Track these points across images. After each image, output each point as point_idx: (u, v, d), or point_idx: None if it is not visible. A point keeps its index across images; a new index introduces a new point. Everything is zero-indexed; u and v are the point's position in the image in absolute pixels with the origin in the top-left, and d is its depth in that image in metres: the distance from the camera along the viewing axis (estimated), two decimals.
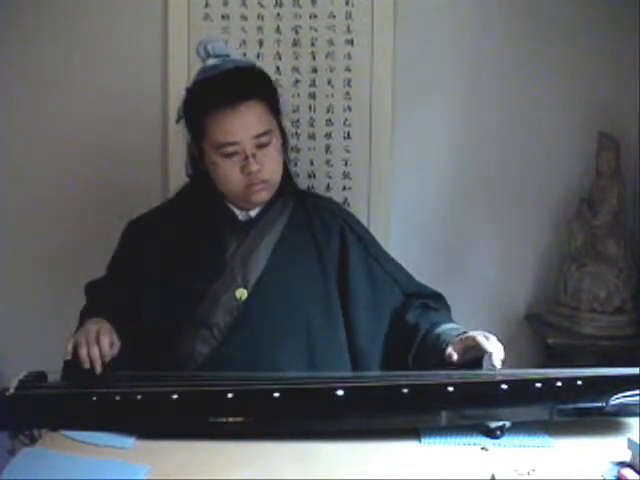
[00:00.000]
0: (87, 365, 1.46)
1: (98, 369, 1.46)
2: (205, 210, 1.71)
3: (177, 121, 1.71)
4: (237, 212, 1.71)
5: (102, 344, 1.48)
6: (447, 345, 1.55)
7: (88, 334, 1.49)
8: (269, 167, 1.64)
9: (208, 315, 1.64)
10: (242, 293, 1.65)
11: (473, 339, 1.52)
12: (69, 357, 1.48)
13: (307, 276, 1.70)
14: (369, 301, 1.72)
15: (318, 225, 1.75)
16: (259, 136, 1.61)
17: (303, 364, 1.64)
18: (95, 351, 1.47)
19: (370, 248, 1.78)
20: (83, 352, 1.47)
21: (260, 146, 1.62)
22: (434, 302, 1.75)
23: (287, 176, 1.75)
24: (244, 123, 1.60)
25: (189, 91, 1.69)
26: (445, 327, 1.63)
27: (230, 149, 1.61)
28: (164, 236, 1.71)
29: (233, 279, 1.66)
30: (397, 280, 1.76)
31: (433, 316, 1.69)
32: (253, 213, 1.71)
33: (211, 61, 1.67)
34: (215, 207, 1.70)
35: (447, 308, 1.78)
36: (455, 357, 1.52)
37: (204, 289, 1.65)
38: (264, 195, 1.66)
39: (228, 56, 1.70)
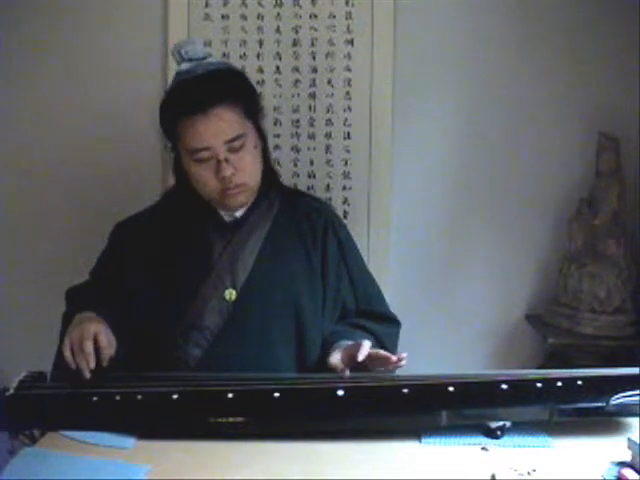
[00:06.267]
0: (86, 374, 1.45)
1: (86, 375, 1.45)
2: (191, 212, 1.71)
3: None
4: (223, 213, 1.70)
5: (101, 345, 1.47)
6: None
7: (83, 337, 1.46)
8: (244, 170, 1.62)
9: (198, 317, 1.64)
10: (231, 294, 1.65)
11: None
12: (71, 364, 1.47)
13: (295, 274, 1.70)
14: (332, 306, 1.73)
15: (305, 223, 1.75)
16: (231, 141, 1.59)
17: (294, 362, 1.65)
18: (84, 363, 1.45)
19: (346, 254, 1.77)
20: (77, 361, 1.46)
21: (233, 150, 1.60)
22: (373, 323, 1.74)
23: (271, 176, 1.74)
24: (215, 128, 1.58)
25: (165, 96, 1.67)
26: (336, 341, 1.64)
27: (203, 154, 1.59)
28: (151, 238, 1.71)
29: (221, 280, 1.66)
30: (357, 294, 1.77)
31: (340, 333, 1.68)
32: (239, 214, 1.70)
33: (184, 65, 1.65)
34: (201, 209, 1.69)
35: (388, 335, 1.75)
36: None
37: (193, 291, 1.65)
38: (240, 199, 1.65)
39: (204, 58, 1.67)
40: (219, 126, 1.58)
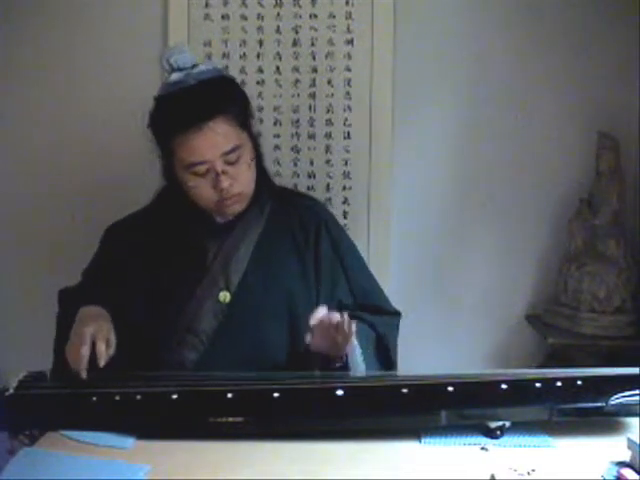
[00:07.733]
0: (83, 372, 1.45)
1: (82, 375, 1.44)
2: (183, 214, 1.68)
3: (148, 126, 1.65)
4: (215, 215, 1.69)
5: (97, 350, 1.46)
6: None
7: (81, 342, 1.46)
8: (241, 181, 1.61)
9: (193, 321, 1.63)
10: (225, 296, 1.64)
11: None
12: (83, 366, 1.45)
13: (288, 275, 1.69)
14: (326, 303, 1.71)
15: (297, 223, 1.74)
16: (228, 153, 1.57)
17: (288, 362, 1.64)
18: (83, 363, 1.44)
19: (340, 251, 1.76)
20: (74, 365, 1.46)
21: (230, 162, 1.58)
22: (370, 314, 1.72)
23: (263, 178, 1.71)
24: (211, 142, 1.55)
25: (154, 107, 1.63)
26: None
27: (199, 168, 1.57)
28: (144, 240, 1.69)
29: (215, 283, 1.65)
30: (355, 292, 1.75)
31: None
32: (231, 216, 1.68)
33: (174, 76, 1.60)
34: (193, 211, 1.67)
35: (385, 325, 1.73)
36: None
37: (187, 294, 1.64)
38: (237, 207, 1.65)
39: (194, 67, 1.61)
40: (215, 140, 1.56)
